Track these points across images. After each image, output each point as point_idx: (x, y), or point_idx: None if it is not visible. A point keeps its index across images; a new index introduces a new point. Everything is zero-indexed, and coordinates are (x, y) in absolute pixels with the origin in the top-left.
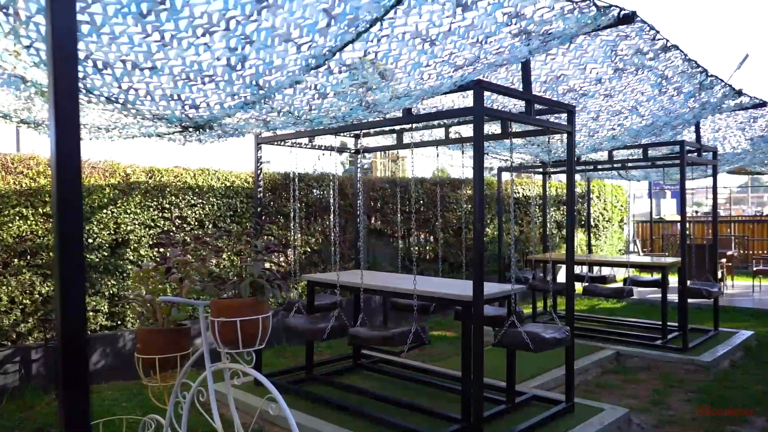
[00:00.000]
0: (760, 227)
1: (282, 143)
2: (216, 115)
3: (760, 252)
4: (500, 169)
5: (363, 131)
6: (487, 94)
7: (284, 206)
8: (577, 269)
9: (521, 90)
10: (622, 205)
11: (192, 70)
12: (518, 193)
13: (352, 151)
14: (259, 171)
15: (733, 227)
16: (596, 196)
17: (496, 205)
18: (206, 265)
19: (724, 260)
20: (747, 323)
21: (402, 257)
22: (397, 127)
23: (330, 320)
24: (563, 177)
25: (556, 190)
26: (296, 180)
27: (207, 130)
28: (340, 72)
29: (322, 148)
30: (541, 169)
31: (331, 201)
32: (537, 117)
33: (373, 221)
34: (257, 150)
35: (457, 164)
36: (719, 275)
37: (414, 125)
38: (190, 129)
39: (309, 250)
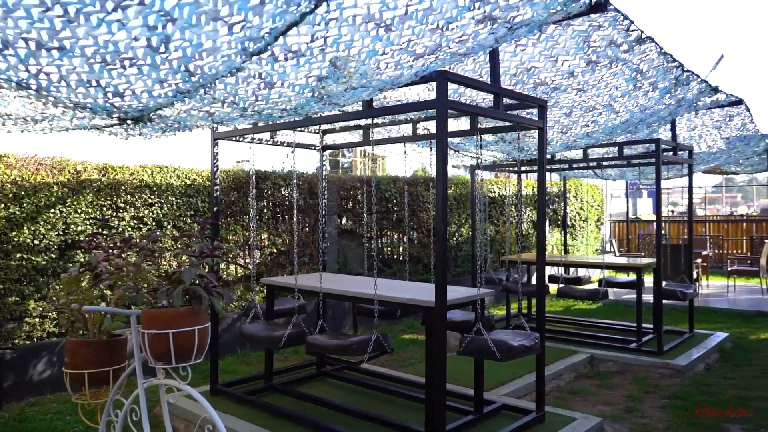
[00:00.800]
0: (734, 227)
1: (240, 139)
2: (148, 105)
3: (735, 252)
4: (473, 168)
5: (327, 127)
6: (453, 87)
7: (250, 205)
8: (553, 270)
9: (489, 82)
10: (598, 205)
11: (108, 51)
12: (494, 192)
13: (317, 148)
14: (215, 168)
15: (708, 227)
16: (573, 195)
17: (470, 204)
18: (142, 270)
19: (699, 260)
20: (722, 324)
21: (374, 258)
22: (362, 123)
23: (288, 327)
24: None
25: (533, 189)
26: (254, 177)
27: (147, 122)
28: (286, 59)
29: (284, 144)
30: (515, 168)
31: (295, 200)
32: (506, 112)
33: (344, 221)
34: (214, 146)
35: (428, 162)
36: (694, 275)
37: (380, 121)
38: (128, 121)
39: (275, 251)
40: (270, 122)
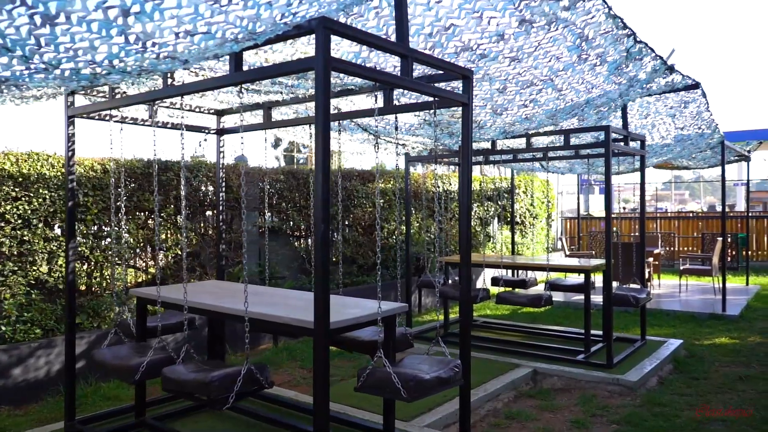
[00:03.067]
0: (685, 224)
1: (105, 117)
2: None
3: (686, 249)
4: (407, 158)
5: (222, 107)
6: (354, 50)
7: (147, 200)
8: (499, 271)
9: (393, 41)
10: (550, 201)
11: None
12: (438, 186)
13: (212, 132)
14: (71, 153)
15: (659, 223)
16: (522, 191)
17: (418, 200)
18: None
19: (651, 259)
20: (674, 329)
21: (302, 259)
22: (261, 101)
23: (148, 353)
24: (487, 169)
25: (480, 184)
26: (120, 169)
27: None
28: None
29: (168, 126)
30: (455, 158)
31: (172, 193)
32: (420, 82)
33: (267, 217)
34: (68, 125)
35: (350, 149)
36: (646, 275)
37: (281, 98)
38: None
39: (179, 253)
40: (88, 84)
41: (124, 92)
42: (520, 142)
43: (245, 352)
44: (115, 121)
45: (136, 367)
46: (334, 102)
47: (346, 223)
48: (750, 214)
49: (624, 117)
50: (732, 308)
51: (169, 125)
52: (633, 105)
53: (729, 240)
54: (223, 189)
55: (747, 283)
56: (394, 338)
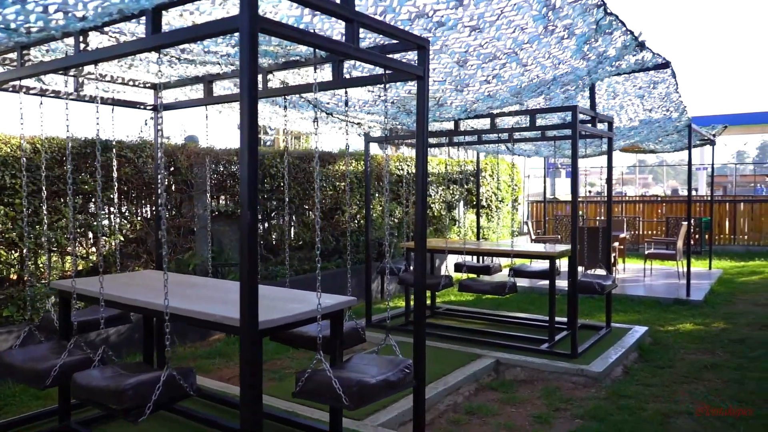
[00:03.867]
0: (649, 207)
1: (18, 90)
2: None
3: (650, 233)
4: (368, 138)
5: (161, 79)
6: (294, 13)
7: (86, 183)
8: (461, 257)
9: (336, 3)
10: (516, 185)
11: None
12: (402, 169)
13: (149, 108)
14: None
15: (623, 207)
16: (489, 174)
17: (381, 183)
18: None
19: (616, 243)
20: (639, 315)
21: (258, 245)
22: (200, 73)
23: (62, 354)
24: (453, 151)
25: (446, 167)
26: (36, 148)
27: None
28: None
29: (96, 100)
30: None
31: (107, 174)
32: (369, 51)
33: (221, 202)
34: None
35: (303, 129)
36: (611, 260)
37: (221, 71)
38: None
39: (122, 239)
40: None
41: (41, 60)
42: (485, 123)
43: (166, 353)
44: (33, 94)
45: (47, 372)
46: (280, 75)
47: (305, 207)
48: (713, 198)
49: (592, 97)
50: (696, 293)
51: (97, 99)
52: (601, 85)
53: (693, 224)
54: (163, 170)
55: (710, 267)
56: (341, 335)
